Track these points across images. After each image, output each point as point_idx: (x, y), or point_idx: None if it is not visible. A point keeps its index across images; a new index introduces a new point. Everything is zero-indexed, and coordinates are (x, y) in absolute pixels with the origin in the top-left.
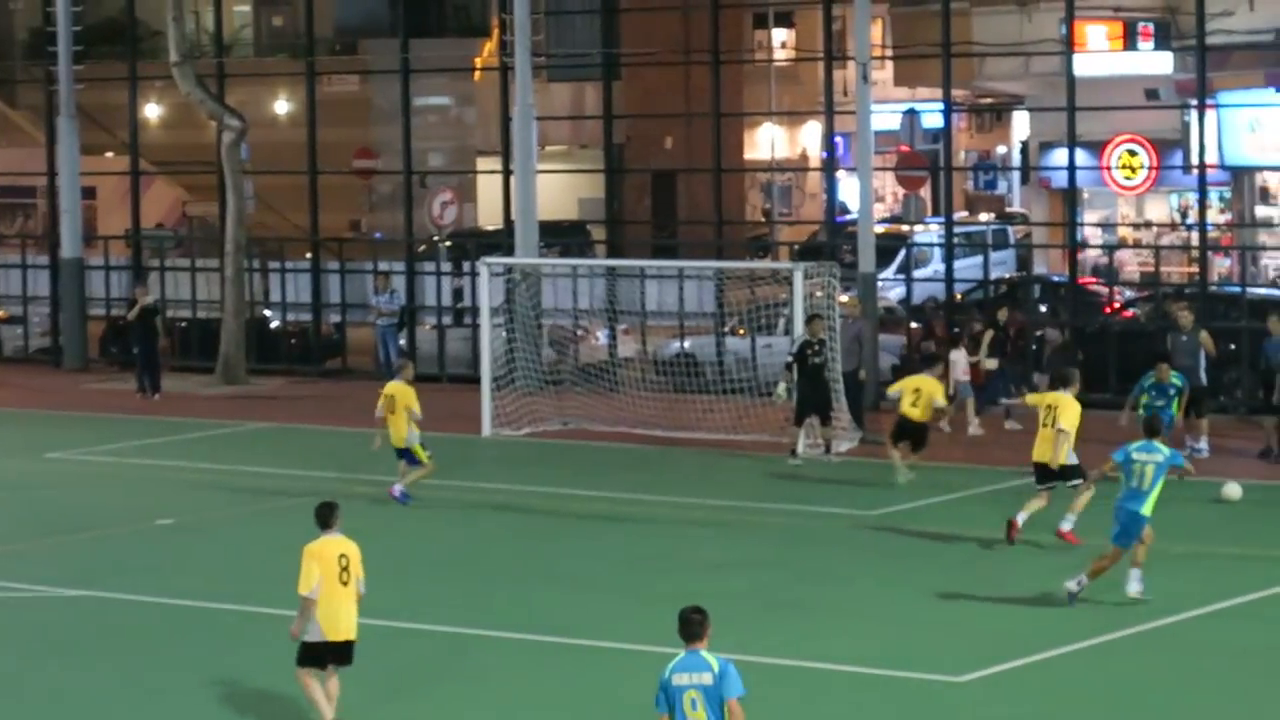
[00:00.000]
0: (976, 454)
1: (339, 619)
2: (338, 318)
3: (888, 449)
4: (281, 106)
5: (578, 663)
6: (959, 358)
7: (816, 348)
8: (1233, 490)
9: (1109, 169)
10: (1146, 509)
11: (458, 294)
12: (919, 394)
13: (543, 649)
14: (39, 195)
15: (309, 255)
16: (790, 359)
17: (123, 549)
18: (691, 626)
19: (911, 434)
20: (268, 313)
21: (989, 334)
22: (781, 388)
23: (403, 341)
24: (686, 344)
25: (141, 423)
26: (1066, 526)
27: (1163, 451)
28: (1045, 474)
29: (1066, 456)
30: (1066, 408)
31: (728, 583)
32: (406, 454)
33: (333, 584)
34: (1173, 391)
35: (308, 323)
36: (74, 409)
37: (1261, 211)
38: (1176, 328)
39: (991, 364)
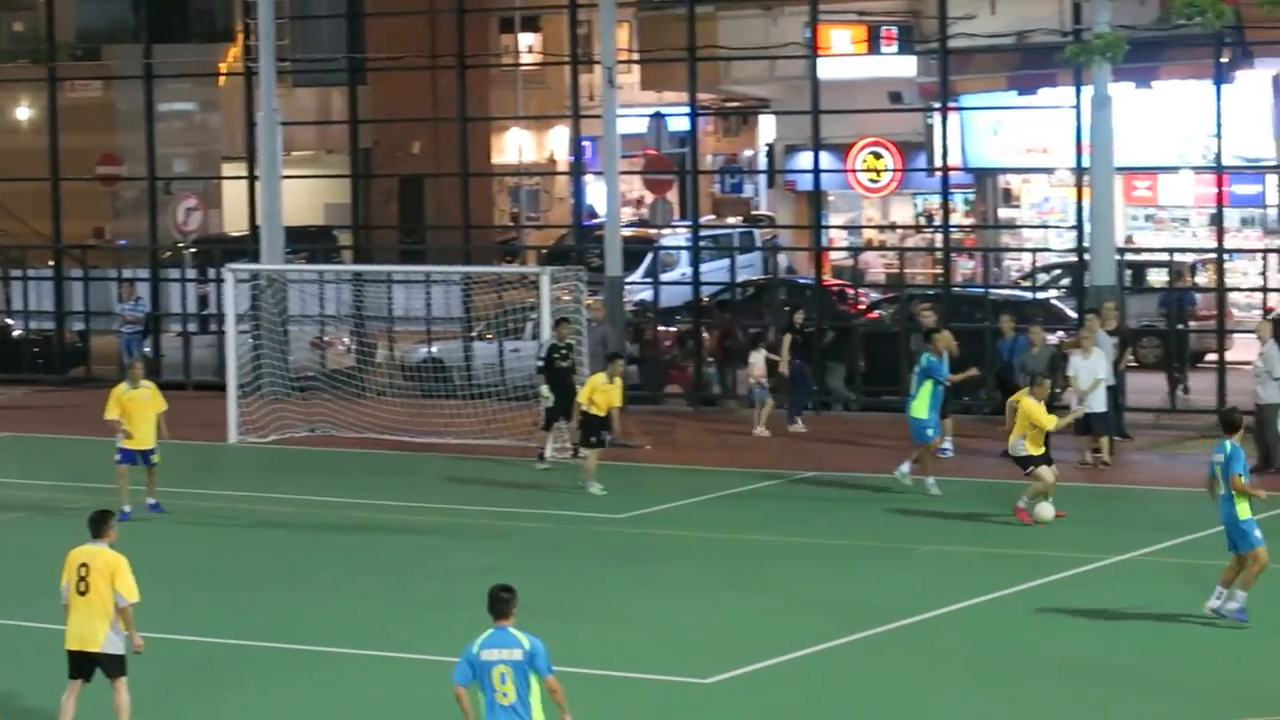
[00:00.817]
0: (728, 457)
1: (71, 629)
2: (81, 325)
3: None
4: (23, 112)
5: (331, 671)
6: (757, 359)
7: (564, 351)
8: (1045, 511)
9: (854, 172)
10: (1242, 512)
11: (203, 301)
12: (595, 393)
13: (296, 657)
14: None
15: (52, 263)
16: (540, 363)
17: None
18: (499, 604)
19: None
20: (10, 321)
21: (787, 338)
22: (545, 389)
23: (148, 349)
24: (434, 349)
25: None
26: (1020, 504)
27: (1224, 449)
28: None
29: (1013, 448)
30: (1022, 402)
31: (477, 589)
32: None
33: (71, 593)
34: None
35: (51, 331)
36: None
37: (1004, 213)
38: (920, 328)
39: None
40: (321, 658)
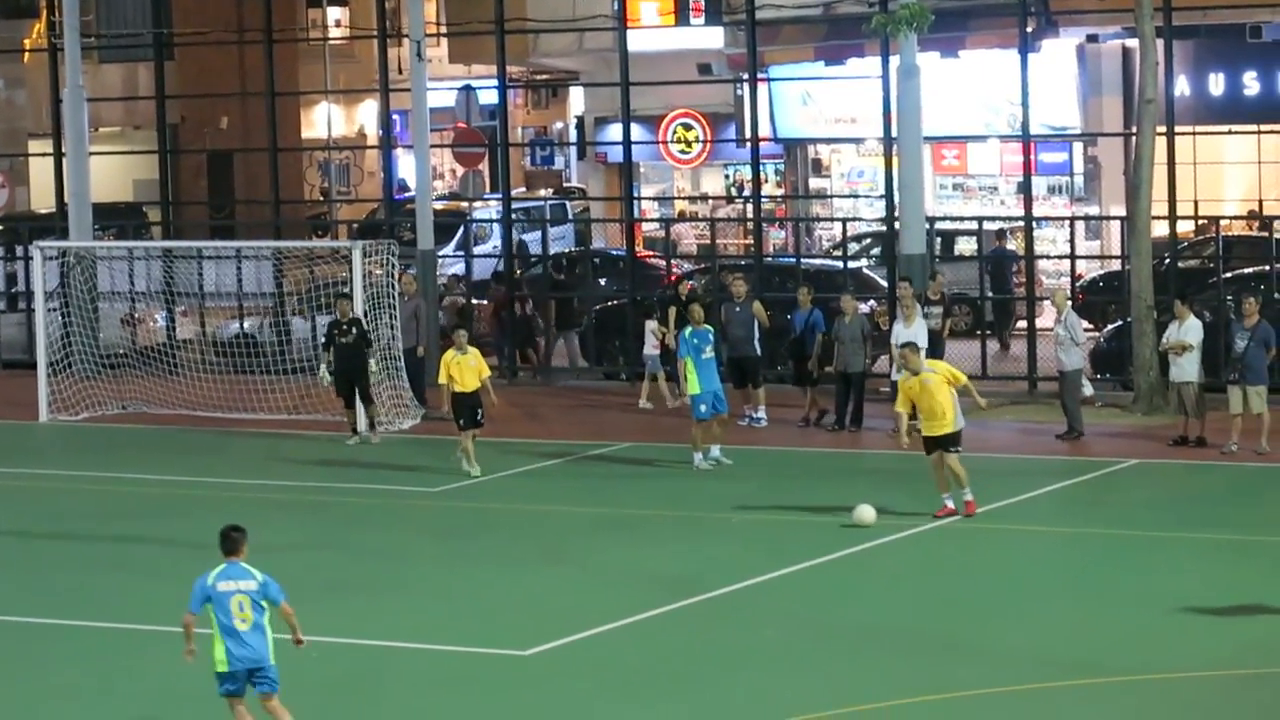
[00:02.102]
0: (543, 428)
1: None
2: None
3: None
4: None
5: (138, 649)
6: (650, 331)
7: (345, 327)
8: (865, 514)
9: (665, 143)
10: None
11: (11, 279)
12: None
13: (102, 636)
14: None
15: None
16: (322, 341)
17: None
18: (229, 542)
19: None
20: None
21: (672, 310)
22: (323, 369)
23: None
24: (246, 325)
25: None
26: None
27: None
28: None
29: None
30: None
31: (287, 565)
32: None
33: None
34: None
35: None
36: None
37: (815, 183)
38: (730, 298)
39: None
40: (124, 635)
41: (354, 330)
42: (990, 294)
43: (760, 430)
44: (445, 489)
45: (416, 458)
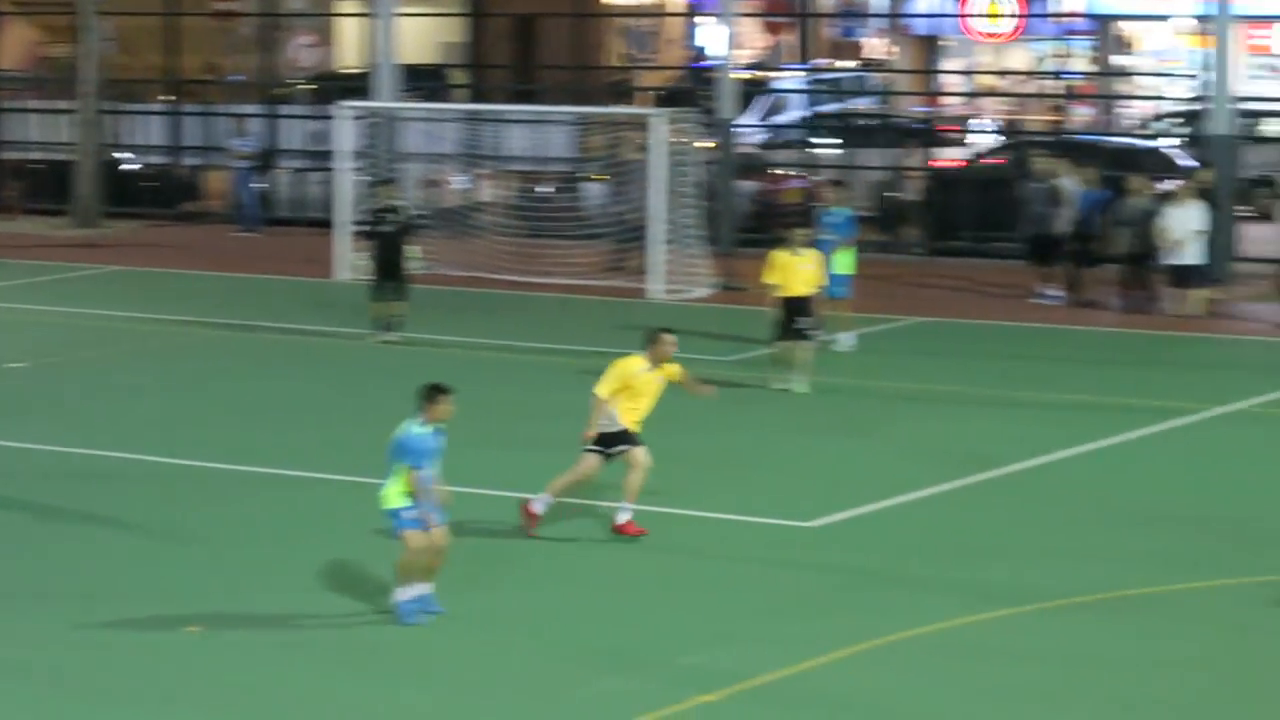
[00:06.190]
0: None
1: None
2: (196, 161)
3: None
4: None
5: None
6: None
7: (383, 214)
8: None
9: (971, 16)
10: None
11: (316, 137)
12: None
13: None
14: None
15: (167, 97)
16: (367, 228)
17: None
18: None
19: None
20: (123, 155)
21: None
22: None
23: (263, 184)
24: (542, 189)
25: None
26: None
27: None
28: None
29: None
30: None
31: (579, 428)
32: None
33: None
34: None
35: (164, 165)
36: None
37: (1122, 61)
38: (1031, 175)
39: None
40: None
41: (398, 216)
42: None
43: (1055, 309)
44: (736, 358)
45: (709, 326)
